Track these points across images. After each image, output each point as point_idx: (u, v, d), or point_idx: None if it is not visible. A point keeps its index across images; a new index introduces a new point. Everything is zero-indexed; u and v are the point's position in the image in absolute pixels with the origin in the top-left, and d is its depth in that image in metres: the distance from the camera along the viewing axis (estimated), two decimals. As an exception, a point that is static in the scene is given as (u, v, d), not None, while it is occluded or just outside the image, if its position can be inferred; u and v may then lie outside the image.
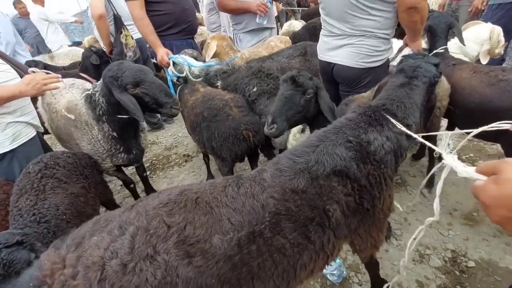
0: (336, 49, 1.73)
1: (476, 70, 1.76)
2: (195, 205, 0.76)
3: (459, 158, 0.65)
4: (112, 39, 2.82)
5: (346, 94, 1.81)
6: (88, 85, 1.80)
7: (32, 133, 1.63)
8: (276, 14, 2.99)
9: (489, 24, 2.21)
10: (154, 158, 3.09)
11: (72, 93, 1.72)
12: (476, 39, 2.17)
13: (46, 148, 1.83)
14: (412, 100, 1.05)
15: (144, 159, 2.32)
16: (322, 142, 0.91)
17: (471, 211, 1.83)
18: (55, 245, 0.74)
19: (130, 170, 2.65)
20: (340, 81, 1.83)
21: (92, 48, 2.89)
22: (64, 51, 4.52)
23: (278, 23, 5.09)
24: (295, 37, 3.08)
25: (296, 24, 3.96)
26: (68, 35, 5.46)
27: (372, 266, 1.30)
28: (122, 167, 1.97)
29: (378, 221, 0.97)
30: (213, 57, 2.69)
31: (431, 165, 2.04)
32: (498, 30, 2.14)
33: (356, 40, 1.64)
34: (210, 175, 2.51)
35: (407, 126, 0.98)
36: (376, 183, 0.88)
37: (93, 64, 2.68)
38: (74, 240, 0.72)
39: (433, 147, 0.75)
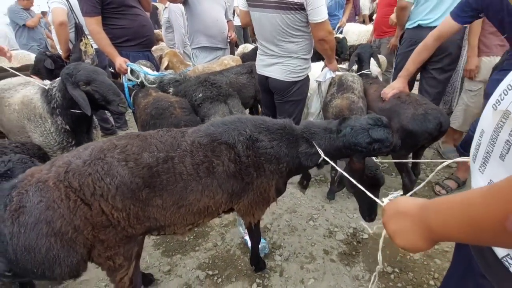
0: (270, 66, 2.14)
1: (377, 88, 2.32)
2: (136, 137, 1.13)
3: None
4: (71, 46, 2.98)
5: (279, 101, 2.23)
6: (46, 83, 1.96)
7: None
8: (231, 39, 3.44)
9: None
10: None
11: (28, 89, 1.87)
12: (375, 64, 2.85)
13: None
14: (320, 142, 1.27)
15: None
16: (234, 125, 1.25)
17: (372, 199, 2.30)
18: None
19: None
20: (274, 91, 2.23)
21: (47, 52, 3.01)
22: (13, 53, 4.47)
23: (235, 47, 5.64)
24: (244, 57, 3.51)
25: (250, 47, 4.46)
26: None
27: (253, 231, 1.60)
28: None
29: (257, 199, 1.29)
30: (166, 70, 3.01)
31: None
32: (383, 58, 2.90)
33: (284, 60, 2.07)
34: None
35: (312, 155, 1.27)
36: (253, 164, 1.21)
37: (47, 68, 2.79)
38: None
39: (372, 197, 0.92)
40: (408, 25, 2.67)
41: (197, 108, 2.20)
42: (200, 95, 2.21)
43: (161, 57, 3.66)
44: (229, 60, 3.39)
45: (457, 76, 2.84)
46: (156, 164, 1.07)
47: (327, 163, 1.28)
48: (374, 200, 0.85)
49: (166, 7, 4.36)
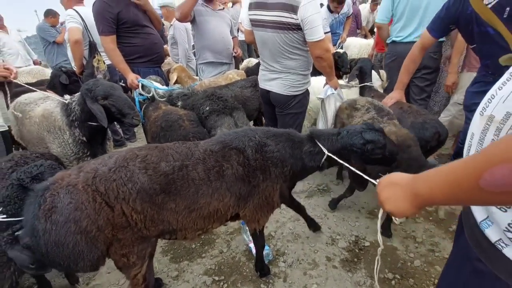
0: (271, 81, 2.27)
1: (380, 100, 2.44)
2: (155, 148, 1.27)
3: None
4: (85, 62, 3.16)
5: (280, 114, 2.34)
6: (66, 98, 2.09)
7: None
8: (236, 54, 3.62)
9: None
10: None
11: (48, 103, 2.02)
12: (377, 79, 2.98)
13: (8, 148, 2.08)
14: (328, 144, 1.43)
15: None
16: (244, 132, 1.39)
17: (374, 208, 2.36)
18: None
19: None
20: (275, 104, 2.35)
21: (62, 68, 3.19)
22: (27, 69, 4.69)
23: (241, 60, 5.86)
24: (248, 71, 3.66)
25: (254, 61, 4.64)
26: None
27: (257, 237, 1.67)
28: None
29: (262, 203, 1.40)
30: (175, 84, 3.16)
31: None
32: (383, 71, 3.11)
33: (284, 75, 2.20)
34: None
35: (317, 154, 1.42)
36: (260, 168, 1.34)
37: (62, 83, 2.95)
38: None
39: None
40: (388, 40, 2.98)
41: (204, 121, 2.32)
42: (207, 108, 2.34)
43: (169, 72, 3.84)
44: (234, 74, 3.54)
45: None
46: (172, 172, 1.20)
47: (329, 166, 1.39)
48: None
49: (171, 25, 4.59)
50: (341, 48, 4.83)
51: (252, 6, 2.12)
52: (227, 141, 1.35)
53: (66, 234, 1.05)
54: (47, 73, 4.31)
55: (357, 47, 4.88)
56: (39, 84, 3.42)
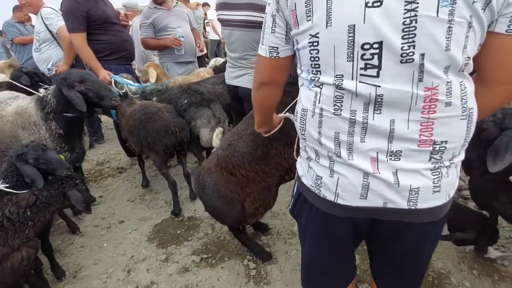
0: (239, 77, 2.41)
1: None
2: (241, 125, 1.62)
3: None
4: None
5: (249, 107, 2.49)
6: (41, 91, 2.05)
7: None
8: (201, 54, 3.71)
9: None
10: (86, 173, 3.21)
11: (20, 100, 1.98)
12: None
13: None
14: None
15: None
16: None
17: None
18: None
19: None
20: (244, 99, 2.51)
21: (23, 69, 3.05)
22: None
23: (207, 59, 5.99)
24: (216, 70, 3.84)
25: (221, 60, 4.80)
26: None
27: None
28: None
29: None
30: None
31: None
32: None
33: (252, 70, 2.36)
34: (145, 179, 2.84)
35: None
36: None
37: (23, 84, 2.83)
38: None
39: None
40: None
41: (183, 113, 2.43)
42: (185, 101, 2.45)
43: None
44: (204, 72, 3.68)
45: None
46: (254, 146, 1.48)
47: None
48: None
49: (130, 25, 4.53)
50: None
51: (218, 7, 2.26)
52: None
53: (215, 202, 1.56)
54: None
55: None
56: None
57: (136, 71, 3.60)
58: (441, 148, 0.67)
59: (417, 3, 0.56)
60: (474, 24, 0.58)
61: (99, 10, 2.62)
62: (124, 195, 2.76)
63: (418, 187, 0.69)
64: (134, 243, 2.13)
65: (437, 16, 0.56)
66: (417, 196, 0.70)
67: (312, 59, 0.71)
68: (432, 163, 0.69)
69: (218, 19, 2.33)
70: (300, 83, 0.83)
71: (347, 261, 0.98)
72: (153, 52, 4.16)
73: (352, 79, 0.66)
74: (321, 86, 0.72)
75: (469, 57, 0.63)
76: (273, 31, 0.78)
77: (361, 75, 0.65)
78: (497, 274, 1.67)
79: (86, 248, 2.11)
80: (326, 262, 0.97)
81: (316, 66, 0.71)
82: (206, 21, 6.96)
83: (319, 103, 0.73)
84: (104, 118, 4.34)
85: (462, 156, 0.73)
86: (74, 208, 2.23)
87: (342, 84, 0.67)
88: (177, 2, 3.19)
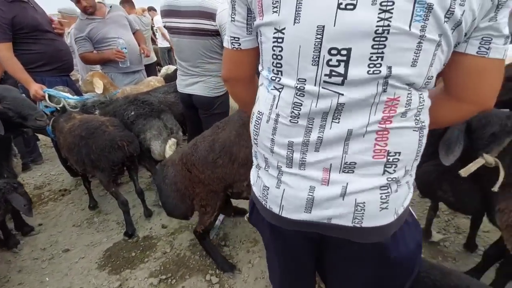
0: (193, 85, 2.34)
1: None
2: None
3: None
4: None
5: (205, 115, 2.44)
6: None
7: None
8: (151, 61, 3.49)
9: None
10: (21, 199, 2.84)
11: None
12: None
13: None
14: None
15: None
16: None
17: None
18: None
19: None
20: (198, 107, 2.44)
21: None
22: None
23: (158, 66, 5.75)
24: (167, 78, 3.69)
25: (172, 68, 4.63)
26: None
27: None
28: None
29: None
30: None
31: None
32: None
33: (205, 78, 2.31)
34: (93, 200, 2.59)
35: None
36: None
37: None
38: None
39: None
40: None
41: (131, 126, 2.27)
42: (133, 113, 2.30)
43: (76, 81, 3.49)
44: (155, 82, 3.50)
45: None
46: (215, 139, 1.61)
47: None
48: None
49: (69, 32, 4.17)
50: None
51: (164, 14, 2.16)
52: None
53: (171, 192, 1.71)
54: None
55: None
56: None
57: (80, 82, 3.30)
58: (394, 160, 0.63)
59: (391, 13, 0.53)
60: (442, 43, 0.57)
61: (27, 17, 2.34)
62: (68, 220, 2.48)
63: (364, 202, 0.65)
64: (82, 273, 1.91)
65: (410, 30, 0.54)
66: (363, 213, 0.66)
67: (275, 56, 0.65)
68: (385, 177, 0.65)
69: (165, 27, 2.23)
70: (260, 82, 0.77)
71: (306, 280, 0.92)
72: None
73: (315, 85, 0.61)
74: (280, 89, 0.67)
75: (432, 76, 0.61)
76: (232, 19, 0.72)
77: (325, 82, 0.60)
78: (440, 255, 1.83)
79: (25, 285, 1.84)
80: (284, 280, 0.92)
81: (278, 65, 0.65)
82: (155, 27, 6.69)
83: (276, 108, 0.68)
84: (42, 135, 3.90)
85: (413, 175, 0.71)
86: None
87: (304, 88, 0.62)
88: (111, 7, 2.94)
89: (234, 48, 0.74)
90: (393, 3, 0.52)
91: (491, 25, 0.58)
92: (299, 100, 0.64)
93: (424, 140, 0.67)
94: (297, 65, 0.62)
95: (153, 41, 6.63)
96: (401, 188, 0.68)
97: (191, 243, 2.07)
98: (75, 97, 2.63)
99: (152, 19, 6.40)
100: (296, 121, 0.66)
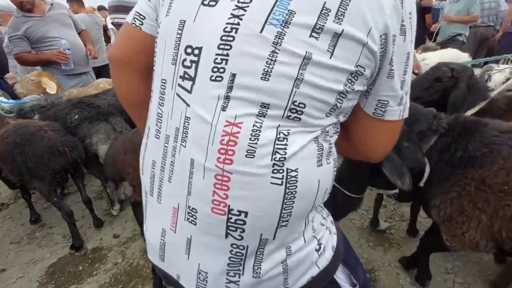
0: None
1: None
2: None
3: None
4: None
5: None
6: None
7: None
8: (106, 63, 3.25)
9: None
10: None
11: None
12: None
13: None
14: None
15: None
16: None
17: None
18: None
19: None
20: None
21: None
22: None
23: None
24: (121, 79, 3.50)
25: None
26: None
27: None
28: None
29: None
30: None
31: None
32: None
33: None
34: (34, 214, 2.36)
35: None
36: None
37: None
38: None
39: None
40: None
41: (74, 130, 2.12)
42: (76, 117, 2.14)
43: (13, 85, 3.15)
44: (105, 84, 3.30)
45: None
46: None
47: None
48: None
49: (5, 32, 3.77)
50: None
51: (112, 10, 2.08)
52: None
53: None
54: None
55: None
56: None
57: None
58: (238, 222, 0.46)
59: (245, 10, 0.45)
60: (314, 61, 0.44)
61: None
62: (5, 237, 2.24)
63: (207, 272, 0.50)
64: (20, 294, 1.73)
65: (261, 32, 0.44)
66: (205, 284, 0.50)
67: (154, 53, 0.56)
68: (228, 242, 0.47)
69: (112, 23, 2.13)
70: None
71: None
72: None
73: (172, 88, 0.51)
74: (151, 94, 0.57)
75: (304, 104, 0.45)
76: None
77: (179, 85, 0.50)
78: (387, 242, 1.96)
79: None
80: None
81: (154, 63, 0.56)
82: (110, 27, 6.33)
83: (148, 119, 0.58)
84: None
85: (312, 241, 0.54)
86: None
87: (164, 93, 0.52)
88: (52, 4, 2.70)
89: (134, 25, 0.59)
90: (251, 1, 0.45)
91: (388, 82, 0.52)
92: (160, 109, 0.54)
93: (301, 202, 0.48)
94: (162, 63, 0.53)
95: (109, 41, 6.26)
96: (269, 265, 0.50)
97: (146, 251, 1.98)
98: (11, 100, 2.39)
99: (105, 19, 6.06)
100: (158, 137, 0.54)
